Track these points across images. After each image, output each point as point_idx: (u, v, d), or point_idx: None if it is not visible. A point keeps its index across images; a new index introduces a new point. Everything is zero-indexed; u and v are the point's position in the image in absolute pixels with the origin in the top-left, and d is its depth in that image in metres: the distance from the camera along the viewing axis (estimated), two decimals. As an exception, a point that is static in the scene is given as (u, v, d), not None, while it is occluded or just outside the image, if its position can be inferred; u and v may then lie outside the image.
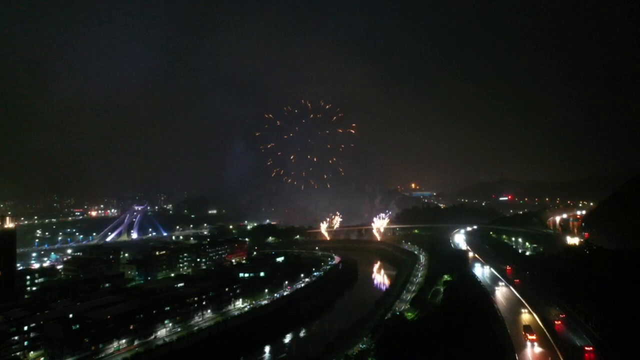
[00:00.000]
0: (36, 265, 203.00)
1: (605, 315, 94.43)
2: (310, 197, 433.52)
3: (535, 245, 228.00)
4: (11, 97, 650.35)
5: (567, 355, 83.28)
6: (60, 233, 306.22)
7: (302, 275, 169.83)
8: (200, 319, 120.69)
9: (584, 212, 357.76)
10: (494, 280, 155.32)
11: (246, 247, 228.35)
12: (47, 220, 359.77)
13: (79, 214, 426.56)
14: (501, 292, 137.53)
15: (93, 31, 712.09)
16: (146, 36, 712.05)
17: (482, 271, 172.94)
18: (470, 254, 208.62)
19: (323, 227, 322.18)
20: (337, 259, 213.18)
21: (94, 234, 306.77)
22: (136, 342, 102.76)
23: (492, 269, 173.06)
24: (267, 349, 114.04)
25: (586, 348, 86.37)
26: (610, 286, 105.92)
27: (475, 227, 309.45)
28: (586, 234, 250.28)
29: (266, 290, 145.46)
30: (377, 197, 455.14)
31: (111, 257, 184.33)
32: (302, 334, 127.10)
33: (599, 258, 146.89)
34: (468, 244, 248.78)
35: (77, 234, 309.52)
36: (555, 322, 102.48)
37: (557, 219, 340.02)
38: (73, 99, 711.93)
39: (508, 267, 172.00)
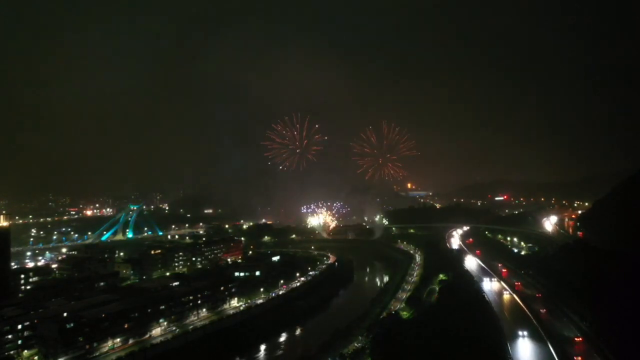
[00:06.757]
0: (31, 264, 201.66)
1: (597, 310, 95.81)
2: (305, 197, 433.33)
3: (530, 244, 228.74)
4: (7, 97, 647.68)
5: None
6: (55, 232, 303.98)
7: (297, 274, 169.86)
8: (196, 317, 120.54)
9: (579, 212, 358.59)
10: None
11: (242, 246, 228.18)
12: (42, 219, 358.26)
13: (74, 213, 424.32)
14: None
15: (90, 32, 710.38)
16: (143, 37, 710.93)
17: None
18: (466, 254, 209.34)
19: (318, 225, 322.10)
20: (332, 258, 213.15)
21: (89, 233, 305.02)
22: (131, 341, 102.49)
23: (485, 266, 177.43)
24: (262, 347, 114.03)
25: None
26: (605, 284, 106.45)
27: (471, 226, 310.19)
28: (580, 233, 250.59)
29: (262, 289, 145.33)
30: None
31: (106, 256, 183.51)
32: (297, 333, 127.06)
33: (593, 257, 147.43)
34: (463, 244, 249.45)
35: (72, 233, 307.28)
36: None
37: (553, 218, 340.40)
38: (70, 99, 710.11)
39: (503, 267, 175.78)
